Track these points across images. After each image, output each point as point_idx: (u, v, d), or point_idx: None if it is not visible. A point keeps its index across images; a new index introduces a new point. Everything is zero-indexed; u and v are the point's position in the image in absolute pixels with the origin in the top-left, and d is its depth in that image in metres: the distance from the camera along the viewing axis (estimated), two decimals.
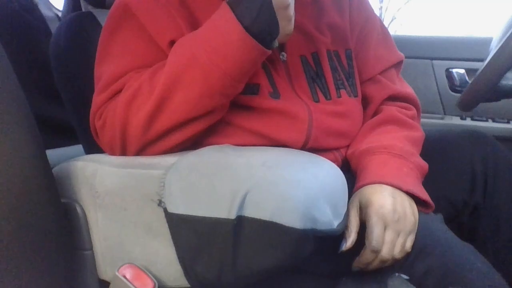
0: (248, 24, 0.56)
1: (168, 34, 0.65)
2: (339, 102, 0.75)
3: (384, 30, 0.85)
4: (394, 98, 0.81)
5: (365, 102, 0.82)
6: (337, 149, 0.75)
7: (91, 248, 0.65)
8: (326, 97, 0.74)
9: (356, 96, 0.78)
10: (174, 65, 0.60)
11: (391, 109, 0.79)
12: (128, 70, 0.66)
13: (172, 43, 0.65)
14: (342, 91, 0.76)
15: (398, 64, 0.85)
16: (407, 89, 0.83)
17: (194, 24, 0.67)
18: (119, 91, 0.65)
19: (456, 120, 1.47)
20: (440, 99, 1.50)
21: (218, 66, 0.57)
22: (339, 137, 0.75)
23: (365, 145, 0.72)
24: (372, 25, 0.83)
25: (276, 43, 0.60)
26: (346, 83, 0.77)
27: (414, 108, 0.82)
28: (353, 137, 0.78)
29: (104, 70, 0.69)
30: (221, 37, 0.57)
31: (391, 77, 0.83)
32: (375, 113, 0.81)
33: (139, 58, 0.67)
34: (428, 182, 0.71)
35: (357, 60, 0.81)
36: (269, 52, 0.59)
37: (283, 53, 0.74)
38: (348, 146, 0.78)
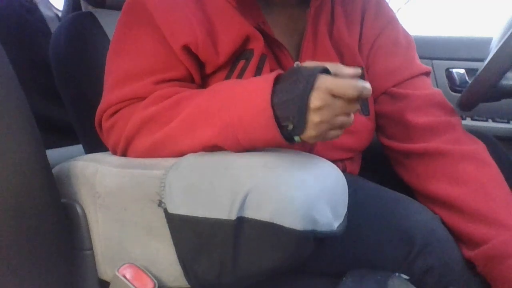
0: (276, 102, 0.52)
1: (181, 38, 0.64)
2: None
3: (406, 40, 0.81)
4: (428, 105, 0.76)
5: (391, 118, 0.78)
6: (341, 160, 0.75)
7: (91, 248, 0.65)
8: None
9: (367, 114, 0.76)
10: (196, 112, 0.58)
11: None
12: (139, 71, 0.65)
13: (184, 47, 0.64)
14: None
15: (420, 76, 0.79)
16: (434, 91, 0.78)
17: (209, 29, 0.66)
18: (132, 98, 0.64)
19: None
20: None
21: (235, 133, 0.55)
22: (343, 151, 0.74)
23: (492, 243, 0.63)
24: (388, 35, 0.79)
25: (297, 139, 0.54)
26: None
27: (455, 118, 0.77)
28: (357, 152, 0.77)
29: (116, 66, 0.68)
30: (248, 102, 0.54)
31: (412, 86, 0.78)
32: (407, 137, 0.76)
33: (151, 59, 0.66)
34: None
35: (369, 73, 0.79)
36: (284, 142, 0.54)
37: (297, 62, 0.73)
38: (351, 158, 0.77)
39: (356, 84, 0.51)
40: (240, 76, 0.69)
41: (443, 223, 0.68)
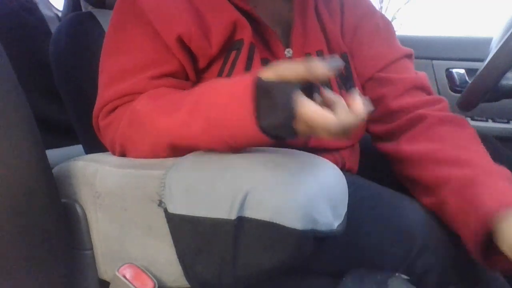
0: (264, 127, 0.49)
1: (175, 29, 0.65)
2: None
3: (385, 27, 0.83)
4: (411, 88, 0.78)
5: (376, 102, 0.79)
6: (337, 150, 0.75)
7: (91, 248, 0.65)
8: None
9: None
10: (179, 129, 0.56)
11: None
12: (133, 67, 0.66)
13: (178, 39, 0.65)
14: (343, 92, 0.76)
15: (402, 59, 0.80)
16: (418, 74, 0.80)
17: (200, 21, 0.67)
18: (128, 94, 0.65)
19: None
20: None
21: (224, 148, 0.54)
22: None
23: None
24: (367, 23, 0.81)
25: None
26: (344, 87, 0.77)
27: (433, 95, 0.79)
28: (353, 138, 0.78)
29: (110, 64, 0.69)
30: (233, 121, 0.51)
31: (396, 70, 0.79)
32: (396, 116, 0.77)
33: (144, 55, 0.66)
34: None
35: (354, 60, 0.80)
36: (272, 141, 0.51)
37: (288, 49, 0.74)
38: (349, 147, 0.78)
39: (337, 123, 0.46)
40: (232, 67, 0.69)
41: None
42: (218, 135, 0.53)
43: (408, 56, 0.82)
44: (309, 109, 0.46)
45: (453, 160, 0.67)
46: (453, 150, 0.68)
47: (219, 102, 0.52)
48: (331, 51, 0.77)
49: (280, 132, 0.49)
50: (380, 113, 0.79)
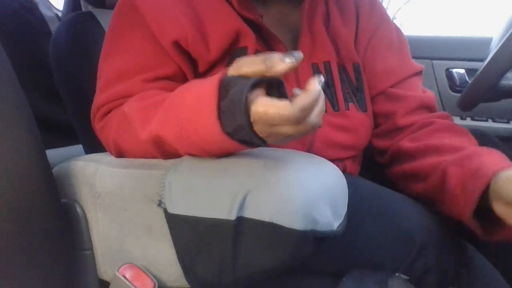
0: (228, 129, 0.47)
1: (170, 34, 0.65)
2: (346, 115, 0.74)
3: (399, 39, 0.82)
4: (420, 107, 0.78)
5: (385, 117, 0.79)
6: (340, 160, 0.75)
7: (91, 248, 0.65)
8: (334, 108, 0.73)
9: (364, 111, 0.77)
10: (159, 124, 0.55)
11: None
12: (130, 69, 0.66)
13: (174, 43, 0.65)
14: (351, 104, 0.75)
15: (413, 76, 0.80)
16: (427, 93, 0.80)
17: (199, 25, 0.67)
18: (123, 97, 0.65)
19: (456, 120, 1.47)
20: (440, 99, 1.50)
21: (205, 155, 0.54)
22: (343, 150, 0.74)
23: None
24: (382, 34, 0.80)
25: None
26: (354, 98, 0.76)
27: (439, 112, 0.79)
28: (357, 150, 0.77)
29: (106, 67, 0.69)
30: (199, 129, 0.50)
31: (407, 87, 0.79)
32: (408, 128, 0.76)
33: (141, 57, 0.66)
34: None
35: (366, 72, 0.79)
36: (245, 148, 0.51)
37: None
38: (352, 157, 0.77)
39: (290, 107, 0.43)
40: None
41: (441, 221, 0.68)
42: (190, 139, 0.51)
43: (419, 73, 0.81)
44: (261, 103, 0.44)
45: (454, 149, 0.67)
46: (454, 144, 0.68)
47: (187, 102, 0.51)
48: (340, 61, 0.76)
49: (242, 135, 0.47)
50: (387, 128, 0.79)
